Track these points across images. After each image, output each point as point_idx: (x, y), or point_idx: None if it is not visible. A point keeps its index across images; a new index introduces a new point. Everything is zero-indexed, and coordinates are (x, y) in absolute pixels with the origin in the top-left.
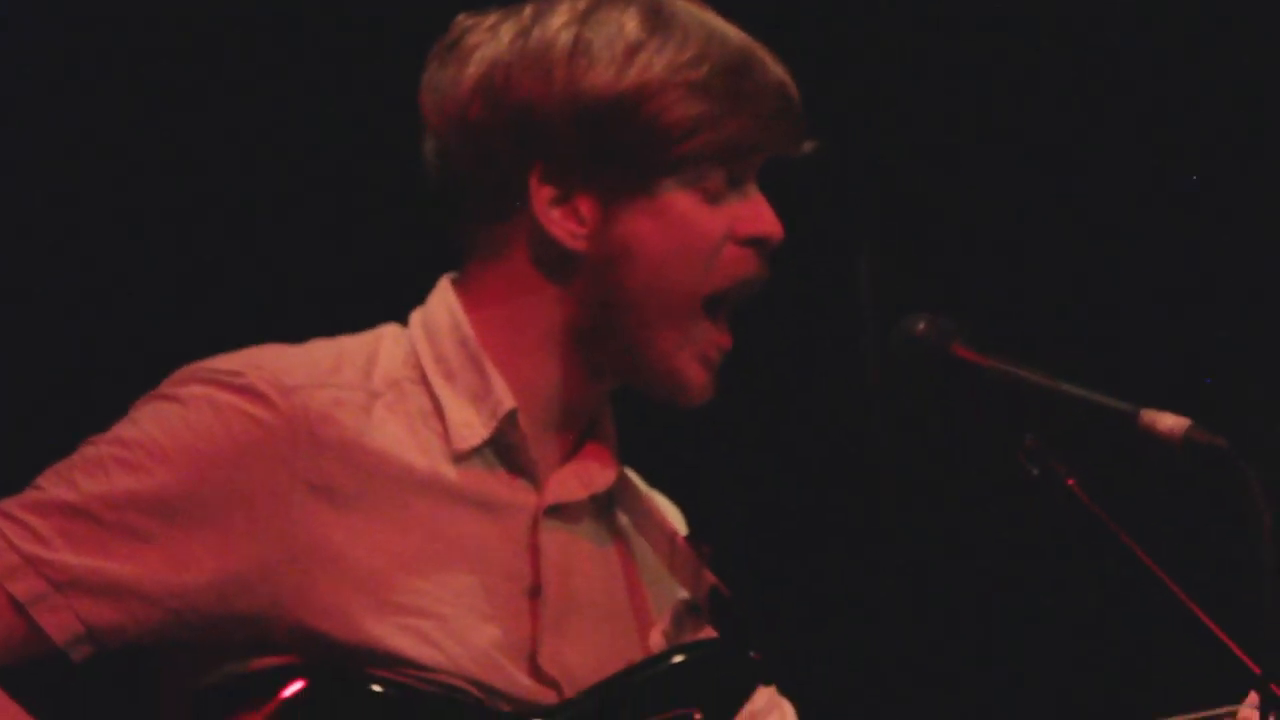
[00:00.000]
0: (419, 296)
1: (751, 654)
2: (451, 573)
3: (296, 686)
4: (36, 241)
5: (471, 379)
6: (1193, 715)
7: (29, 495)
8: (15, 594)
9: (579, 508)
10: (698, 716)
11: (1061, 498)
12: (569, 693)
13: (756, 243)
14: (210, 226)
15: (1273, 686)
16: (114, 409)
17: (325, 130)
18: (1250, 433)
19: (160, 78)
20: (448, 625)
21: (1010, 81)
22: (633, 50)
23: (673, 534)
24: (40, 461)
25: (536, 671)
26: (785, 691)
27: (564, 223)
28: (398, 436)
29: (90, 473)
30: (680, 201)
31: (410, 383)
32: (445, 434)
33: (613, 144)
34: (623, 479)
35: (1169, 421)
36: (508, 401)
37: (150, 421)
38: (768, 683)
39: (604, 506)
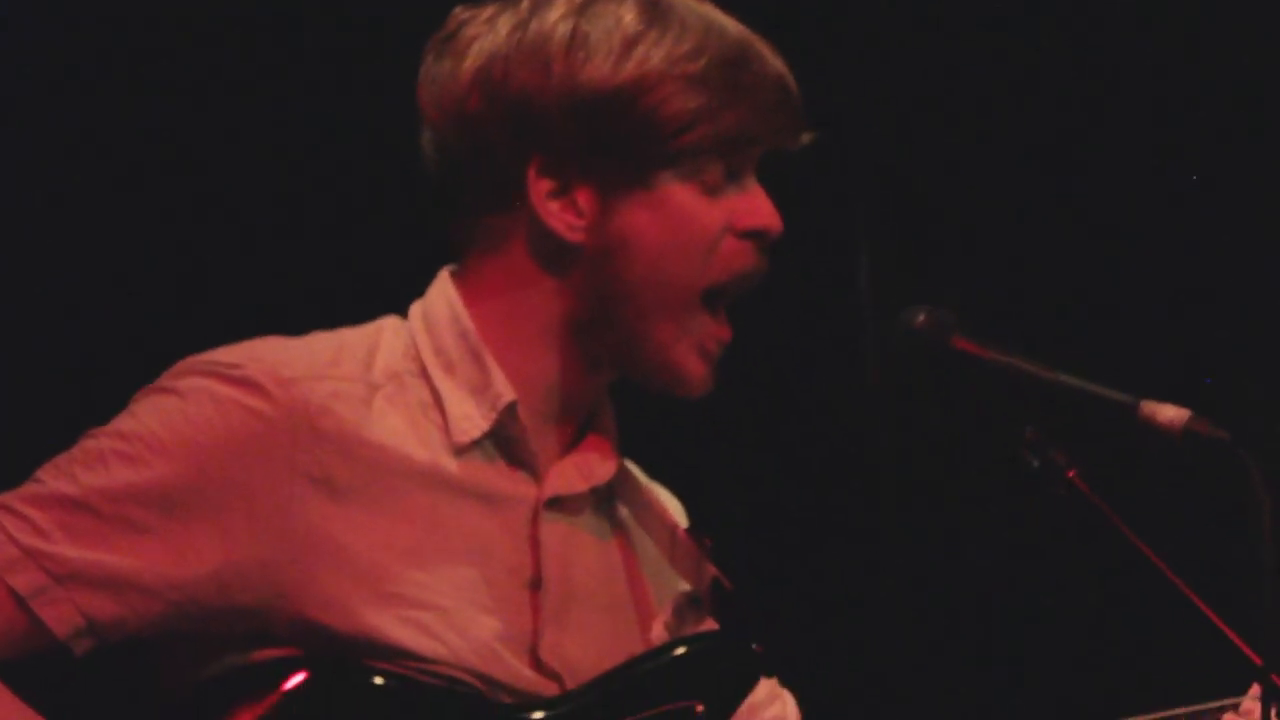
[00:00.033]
0: (418, 289)
1: (753, 646)
2: (452, 565)
3: (298, 679)
4: (36, 241)
5: (471, 371)
6: (1195, 707)
7: (29, 488)
8: (16, 587)
9: (579, 500)
10: (699, 709)
11: (1062, 489)
12: (570, 685)
13: (755, 235)
14: (210, 223)
15: (1274, 678)
16: (113, 403)
17: (325, 126)
18: (1250, 432)
19: (160, 78)
20: (449, 617)
21: (1011, 77)
22: (630, 43)
23: (674, 526)
24: (39, 456)
25: (537, 663)
26: (787, 683)
27: (562, 215)
28: (397, 429)
29: (90, 465)
30: (678, 194)
31: (410, 375)
32: (445, 426)
33: (611, 136)
34: (623, 471)
35: (1169, 413)
36: (508, 394)
37: (149, 414)
38: (769, 675)
39: (604, 499)
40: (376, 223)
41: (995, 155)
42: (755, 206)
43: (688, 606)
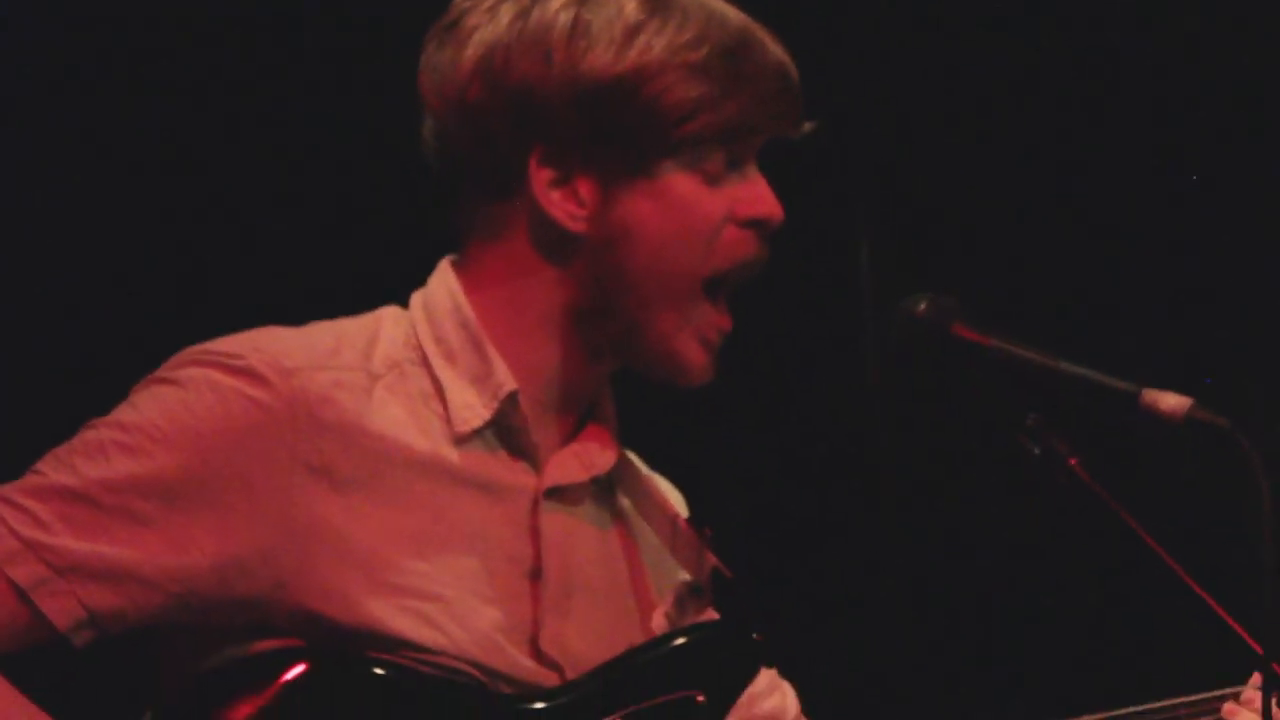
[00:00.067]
0: (418, 280)
1: (754, 636)
2: (452, 555)
3: (298, 669)
4: (36, 241)
5: (472, 361)
6: (1196, 696)
7: (29, 480)
8: (16, 579)
9: (579, 490)
10: (700, 699)
11: (1063, 478)
12: (571, 675)
13: (756, 224)
14: (210, 218)
15: (1275, 666)
16: (113, 394)
17: (325, 121)
18: (1250, 432)
19: (160, 78)
20: (449, 607)
21: (1011, 75)
22: (632, 32)
23: (674, 516)
24: (40, 448)
25: (538, 654)
26: (787, 673)
27: (563, 204)
28: (398, 418)
29: (90, 457)
30: (680, 183)
31: (411, 364)
32: (446, 416)
33: (612, 126)
34: (623, 461)
35: (1171, 401)
36: (509, 383)
37: (150, 405)
38: (770, 664)
39: (605, 489)
40: (376, 215)
41: (996, 153)
42: (757, 195)
43: (688, 596)
